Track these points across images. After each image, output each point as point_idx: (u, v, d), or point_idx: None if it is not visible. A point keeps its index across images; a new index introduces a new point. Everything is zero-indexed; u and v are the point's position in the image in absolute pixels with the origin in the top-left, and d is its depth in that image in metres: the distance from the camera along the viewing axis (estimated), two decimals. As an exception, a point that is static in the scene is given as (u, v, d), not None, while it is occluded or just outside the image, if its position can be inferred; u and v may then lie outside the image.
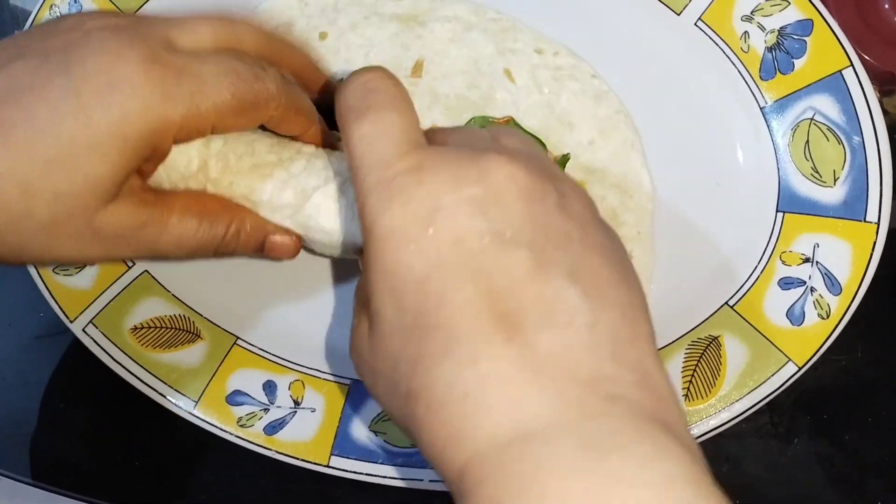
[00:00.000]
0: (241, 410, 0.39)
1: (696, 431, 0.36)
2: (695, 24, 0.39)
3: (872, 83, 0.39)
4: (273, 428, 0.39)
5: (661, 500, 0.22)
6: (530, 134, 0.39)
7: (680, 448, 0.23)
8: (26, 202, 0.28)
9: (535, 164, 0.27)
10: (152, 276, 0.42)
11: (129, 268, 0.42)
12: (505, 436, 0.24)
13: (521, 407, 0.24)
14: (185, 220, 0.31)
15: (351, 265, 0.41)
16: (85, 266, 0.41)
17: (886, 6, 0.46)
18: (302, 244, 0.34)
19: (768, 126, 0.38)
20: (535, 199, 0.26)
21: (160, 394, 0.40)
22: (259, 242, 0.33)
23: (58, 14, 0.42)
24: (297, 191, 0.33)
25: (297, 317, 0.41)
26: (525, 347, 0.24)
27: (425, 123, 0.40)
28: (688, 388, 0.37)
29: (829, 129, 0.37)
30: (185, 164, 0.32)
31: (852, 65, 0.37)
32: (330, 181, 0.33)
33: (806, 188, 0.37)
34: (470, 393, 0.24)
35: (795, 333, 0.36)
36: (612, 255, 0.27)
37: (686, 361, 0.37)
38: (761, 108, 0.38)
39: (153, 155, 0.30)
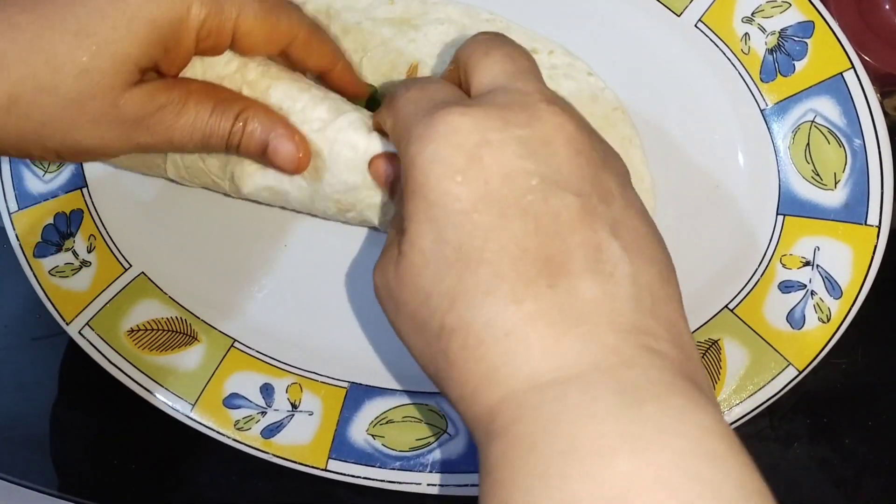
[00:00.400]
0: (239, 413, 0.39)
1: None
2: (695, 25, 0.39)
3: (873, 84, 0.39)
4: (270, 431, 0.38)
5: (695, 450, 0.22)
6: None
7: (711, 405, 0.23)
8: (52, 74, 0.29)
9: (582, 120, 0.28)
10: (149, 278, 0.42)
11: (126, 269, 0.42)
12: (543, 377, 0.23)
13: (562, 350, 0.24)
14: (201, 105, 0.32)
15: (351, 267, 0.41)
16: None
17: (887, 7, 0.45)
18: (316, 171, 0.34)
19: (769, 128, 0.38)
20: (583, 150, 0.26)
21: (157, 397, 0.39)
22: (263, 142, 0.33)
23: None
24: (332, 107, 0.34)
25: (295, 319, 0.41)
26: (569, 292, 0.24)
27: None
28: (687, 392, 0.37)
29: (830, 131, 0.37)
30: (223, 63, 0.34)
31: (853, 67, 0.36)
32: (365, 111, 0.34)
33: (807, 191, 0.37)
34: (512, 332, 0.24)
35: (796, 337, 0.36)
36: (648, 216, 0.27)
37: (686, 365, 0.37)
38: (762, 111, 0.38)
39: (176, 47, 0.31)
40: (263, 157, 0.34)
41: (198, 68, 0.34)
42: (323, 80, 0.37)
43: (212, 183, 0.37)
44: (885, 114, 0.38)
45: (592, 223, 0.25)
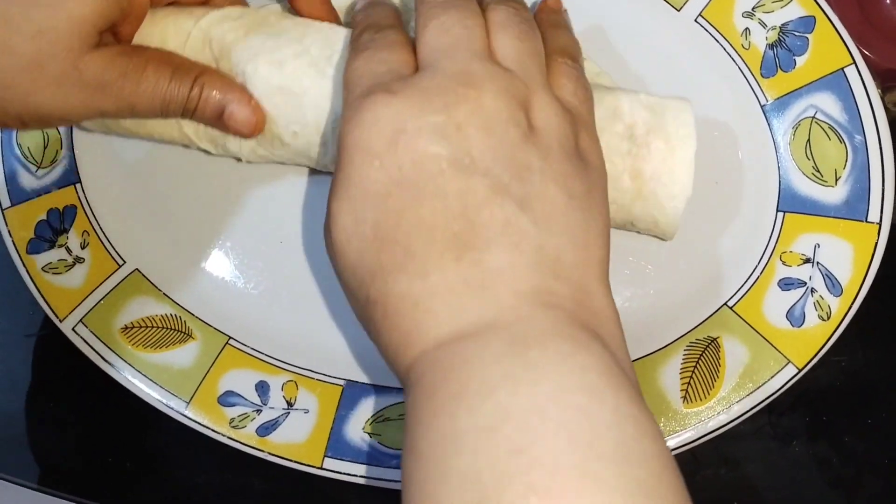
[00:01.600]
0: (234, 411, 0.39)
1: (694, 434, 0.36)
2: (695, 20, 0.38)
3: (874, 80, 0.39)
4: (266, 429, 0.38)
5: (572, 385, 0.24)
6: None
7: (602, 349, 0.26)
8: (8, 35, 0.29)
9: (511, 90, 0.29)
10: (143, 275, 0.41)
11: (120, 266, 0.41)
12: (446, 338, 0.26)
13: (463, 314, 0.26)
14: (160, 72, 0.33)
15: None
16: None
17: (888, 1, 0.45)
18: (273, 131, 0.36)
19: (769, 124, 0.38)
20: (497, 130, 0.28)
21: (151, 395, 0.39)
22: (219, 107, 0.35)
23: None
24: (301, 57, 0.35)
25: (291, 316, 0.40)
26: (474, 264, 0.27)
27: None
28: (686, 390, 0.37)
29: (831, 127, 0.36)
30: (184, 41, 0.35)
31: (854, 62, 0.36)
32: (336, 53, 0.35)
33: (807, 187, 0.37)
34: (419, 303, 0.27)
35: (795, 335, 0.36)
36: (574, 184, 0.29)
37: (684, 363, 0.37)
38: (762, 106, 0.38)
39: (130, 9, 0.32)
40: (219, 121, 0.35)
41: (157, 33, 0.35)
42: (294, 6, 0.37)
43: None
44: (886, 109, 0.38)
45: (501, 200, 0.27)
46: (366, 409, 0.38)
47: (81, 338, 0.40)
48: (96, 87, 0.32)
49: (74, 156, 0.42)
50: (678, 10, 0.38)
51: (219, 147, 0.38)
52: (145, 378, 0.39)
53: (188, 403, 0.39)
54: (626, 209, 0.35)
